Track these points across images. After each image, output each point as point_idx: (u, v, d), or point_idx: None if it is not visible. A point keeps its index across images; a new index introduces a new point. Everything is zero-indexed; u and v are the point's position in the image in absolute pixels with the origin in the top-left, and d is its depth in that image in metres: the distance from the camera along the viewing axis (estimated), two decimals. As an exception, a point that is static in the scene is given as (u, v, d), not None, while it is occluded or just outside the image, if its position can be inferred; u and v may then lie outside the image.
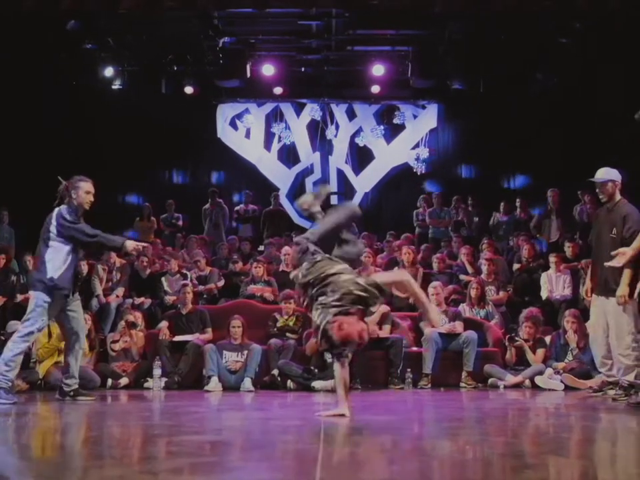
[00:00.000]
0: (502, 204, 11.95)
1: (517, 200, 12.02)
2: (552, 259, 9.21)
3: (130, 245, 5.87)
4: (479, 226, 12.20)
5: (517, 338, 7.79)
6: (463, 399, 6.77)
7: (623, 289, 5.71)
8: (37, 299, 5.68)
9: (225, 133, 14.29)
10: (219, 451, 3.28)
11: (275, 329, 8.12)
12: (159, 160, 13.73)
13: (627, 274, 5.67)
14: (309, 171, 14.49)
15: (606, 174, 6.06)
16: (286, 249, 9.88)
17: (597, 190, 6.14)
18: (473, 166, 14.15)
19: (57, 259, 5.72)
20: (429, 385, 7.61)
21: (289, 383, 7.49)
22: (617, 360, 5.92)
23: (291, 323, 8.20)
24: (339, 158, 14.32)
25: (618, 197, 6.06)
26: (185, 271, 9.63)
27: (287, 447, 3.43)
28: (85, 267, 8.75)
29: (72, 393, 5.94)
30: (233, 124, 14.37)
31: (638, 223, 5.84)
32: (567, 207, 11.25)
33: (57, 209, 5.81)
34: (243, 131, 14.37)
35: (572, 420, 4.81)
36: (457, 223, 12.24)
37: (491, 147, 13.07)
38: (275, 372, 7.62)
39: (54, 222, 5.74)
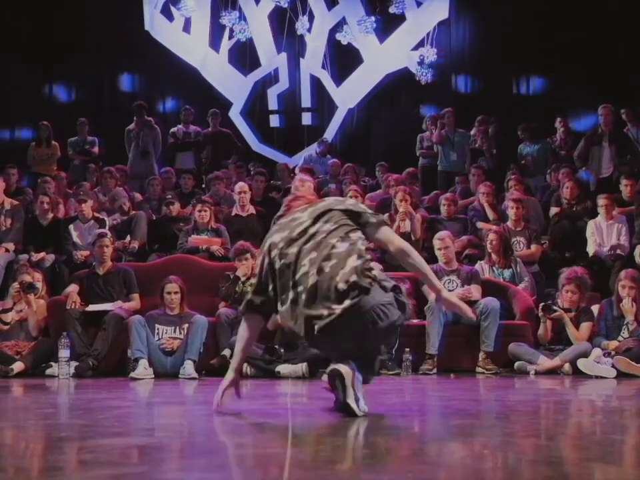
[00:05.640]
0: (520, 126, 11.90)
1: (557, 119, 12.00)
2: (602, 201, 9.28)
3: None
4: (503, 155, 12.21)
5: (554, 307, 7.85)
6: (480, 388, 6.85)
7: None
8: None
9: (154, 24, 14.11)
10: (150, 458, 3.29)
11: (237, 294, 8.09)
12: (63, 60, 13.54)
13: None
14: (271, 78, 14.38)
15: None
16: (241, 185, 9.84)
17: None
18: (498, 72, 14.07)
19: None
20: (435, 370, 7.70)
21: (246, 368, 7.53)
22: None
23: (249, 288, 8.17)
24: (314, 61, 14.22)
25: None
26: (101, 216, 9.60)
27: (242, 453, 3.46)
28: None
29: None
30: (165, 11, 14.17)
31: None
32: (622, 129, 11.27)
33: None
34: (181, 22, 14.20)
35: (626, 417, 4.88)
36: (475, 151, 12.24)
37: (524, 45, 13.00)
38: (226, 352, 7.64)
39: None
